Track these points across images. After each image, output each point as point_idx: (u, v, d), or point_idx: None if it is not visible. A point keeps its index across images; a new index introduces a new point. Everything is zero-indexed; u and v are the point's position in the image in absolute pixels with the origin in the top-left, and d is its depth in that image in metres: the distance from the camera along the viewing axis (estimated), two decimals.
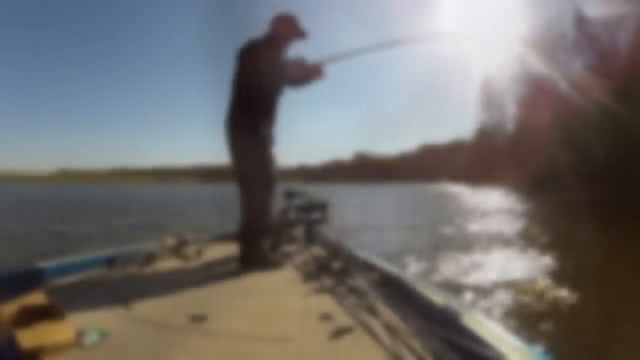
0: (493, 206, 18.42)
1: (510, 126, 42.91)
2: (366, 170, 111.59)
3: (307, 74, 2.47)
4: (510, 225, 10.91)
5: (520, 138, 36.29)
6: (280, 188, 3.12)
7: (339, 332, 1.33)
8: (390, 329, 1.37)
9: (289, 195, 3.07)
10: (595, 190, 23.10)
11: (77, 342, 1.18)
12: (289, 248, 2.80)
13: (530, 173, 30.98)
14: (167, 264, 2.27)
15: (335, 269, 2.15)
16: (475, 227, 10.78)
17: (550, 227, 10.83)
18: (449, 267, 5.75)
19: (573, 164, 27.00)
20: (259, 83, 2.31)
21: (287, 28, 2.45)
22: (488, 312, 3.90)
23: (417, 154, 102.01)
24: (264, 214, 2.43)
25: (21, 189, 48.13)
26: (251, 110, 2.37)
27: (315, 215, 3.01)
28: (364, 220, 12.93)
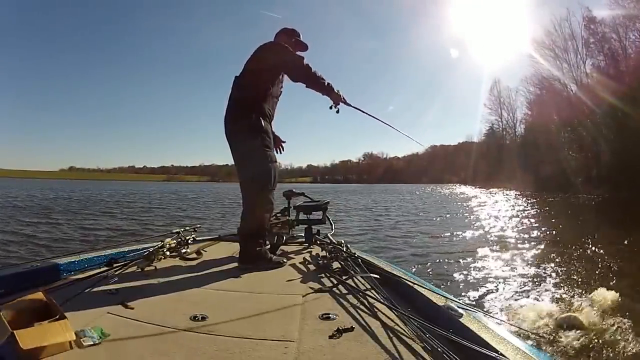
0: (508, 208, 18.40)
1: (519, 127, 42.63)
2: (375, 171, 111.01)
3: (325, 87, 2.40)
4: (533, 227, 11.24)
5: (529, 139, 35.92)
6: (285, 188, 3.12)
7: (339, 332, 1.32)
8: (390, 329, 1.36)
9: (290, 195, 3.07)
10: (604, 191, 22.80)
11: (77, 342, 1.18)
12: (289, 248, 2.80)
13: (539, 175, 30.65)
14: (167, 264, 2.27)
15: (335, 269, 2.15)
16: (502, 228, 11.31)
17: (564, 229, 10.97)
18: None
19: (582, 165, 26.69)
20: (281, 60, 2.40)
21: (289, 40, 2.58)
22: (489, 311, 3.91)
23: (425, 155, 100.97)
24: (264, 213, 2.43)
25: (33, 184, 49.00)
26: (248, 110, 2.37)
27: (315, 215, 3.01)
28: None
